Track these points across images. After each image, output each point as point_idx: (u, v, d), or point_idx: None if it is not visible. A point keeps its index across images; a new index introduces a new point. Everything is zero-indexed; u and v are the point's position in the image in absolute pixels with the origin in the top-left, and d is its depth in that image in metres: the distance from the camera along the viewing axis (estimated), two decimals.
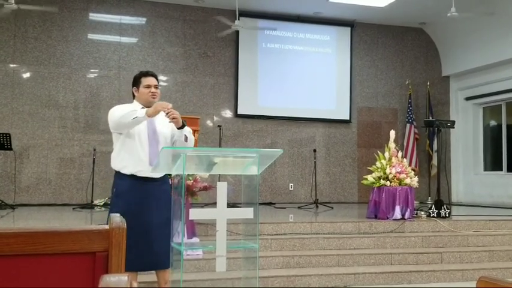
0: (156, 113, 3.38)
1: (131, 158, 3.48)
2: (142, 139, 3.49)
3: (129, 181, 3.47)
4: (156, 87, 3.60)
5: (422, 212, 6.72)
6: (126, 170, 3.48)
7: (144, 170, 3.46)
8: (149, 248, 3.34)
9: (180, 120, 3.45)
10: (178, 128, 3.49)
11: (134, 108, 3.45)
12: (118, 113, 3.46)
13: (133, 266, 3.40)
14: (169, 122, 3.45)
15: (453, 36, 10.30)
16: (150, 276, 4.27)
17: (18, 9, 7.70)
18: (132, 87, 3.66)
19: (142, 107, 3.50)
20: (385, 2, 9.19)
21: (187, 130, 3.54)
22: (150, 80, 3.59)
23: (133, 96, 3.66)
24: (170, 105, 3.39)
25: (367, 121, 10.41)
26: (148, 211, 3.42)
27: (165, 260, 3.44)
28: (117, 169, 3.54)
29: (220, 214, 2.89)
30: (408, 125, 10.18)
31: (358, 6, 9.33)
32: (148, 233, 3.38)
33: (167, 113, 3.40)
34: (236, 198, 3.67)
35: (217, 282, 4.52)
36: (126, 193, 3.46)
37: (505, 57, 9.20)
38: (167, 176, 3.65)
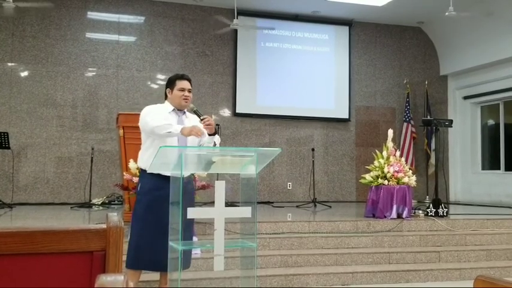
0: (189, 135, 3.42)
1: None
2: (172, 139, 3.55)
3: (154, 180, 3.54)
4: (189, 91, 3.69)
5: (420, 211, 6.72)
6: (153, 169, 3.53)
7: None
8: (166, 249, 3.32)
9: (214, 128, 3.57)
10: (210, 135, 3.58)
11: (170, 122, 3.51)
12: (152, 122, 3.51)
13: (146, 264, 3.43)
14: (204, 127, 3.52)
15: (451, 35, 10.30)
16: (150, 276, 4.27)
17: (16, 7, 7.68)
18: (166, 88, 3.77)
19: (179, 122, 3.56)
20: (383, 1, 9.19)
21: (217, 137, 3.66)
22: (185, 84, 3.69)
23: (166, 96, 3.75)
24: (204, 133, 3.49)
25: (365, 120, 10.41)
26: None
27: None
28: (143, 167, 3.63)
29: (218, 213, 2.89)
30: (405, 124, 10.19)
31: (356, 5, 9.33)
32: (167, 233, 3.37)
33: (202, 119, 3.51)
34: (234, 197, 3.67)
35: (215, 281, 4.52)
36: (150, 191, 3.54)
37: (503, 56, 9.21)
38: (191, 176, 3.68)
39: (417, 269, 5.26)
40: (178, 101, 3.67)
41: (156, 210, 3.47)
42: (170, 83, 3.74)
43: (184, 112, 3.73)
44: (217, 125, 3.68)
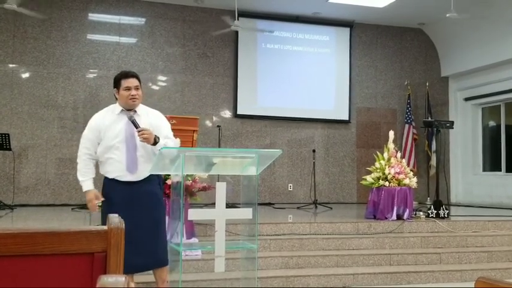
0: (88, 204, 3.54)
1: (111, 164, 3.50)
2: (120, 145, 3.47)
3: (112, 185, 3.52)
4: (137, 88, 3.52)
5: (421, 213, 6.72)
6: (109, 175, 3.52)
7: (122, 175, 3.48)
8: (137, 250, 3.30)
9: (152, 139, 3.41)
10: (152, 145, 3.44)
11: (83, 177, 3.56)
12: (78, 158, 3.58)
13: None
14: (141, 141, 3.42)
15: (452, 36, 10.30)
16: (149, 277, 4.27)
17: (17, 9, 7.69)
18: (113, 88, 3.60)
19: (88, 174, 3.58)
20: (384, 3, 9.19)
21: (161, 144, 3.44)
22: (130, 82, 3.51)
23: (116, 97, 3.61)
24: (96, 210, 3.54)
25: (366, 121, 10.41)
26: (132, 214, 3.37)
27: (157, 260, 3.44)
28: (102, 173, 3.60)
29: (219, 214, 2.89)
30: (407, 125, 10.19)
31: (357, 6, 9.33)
32: (134, 235, 3.35)
33: (138, 132, 3.40)
34: (235, 199, 3.68)
35: (216, 282, 4.52)
36: (110, 197, 3.50)
37: (504, 57, 9.21)
38: (153, 177, 3.58)
39: (418, 271, 5.26)
40: (125, 101, 3.50)
41: (118, 214, 3.43)
42: (116, 83, 3.55)
43: (135, 111, 3.56)
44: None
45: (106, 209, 3.47)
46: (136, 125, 3.43)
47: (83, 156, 3.56)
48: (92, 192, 3.51)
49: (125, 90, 3.50)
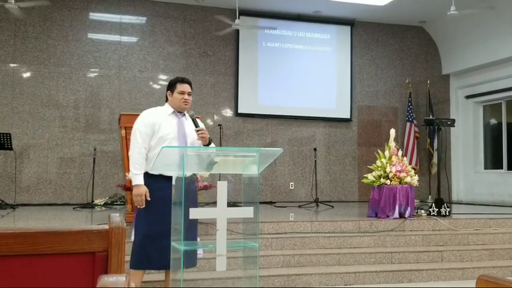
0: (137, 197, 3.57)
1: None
2: (173, 141, 3.62)
3: (156, 181, 3.58)
4: (189, 94, 3.81)
5: (423, 211, 6.72)
6: (155, 171, 3.57)
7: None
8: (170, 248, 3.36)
9: (207, 138, 3.65)
10: (204, 145, 3.66)
11: (137, 172, 3.57)
12: (132, 150, 3.62)
13: (153, 264, 3.48)
14: (198, 139, 3.63)
15: (453, 34, 10.29)
16: (150, 276, 4.28)
17: (18, 8, 7.68)
18: (167, 90, 3.86)
19: (139, 172, 3.60)
20: (385, 1, 9.18)
21: (212, 146, 3.74)
22: (185, 87, 3.82)
23: (166, 99, 3.84)
24: (144, 205, 3.56)
25: (367, 120, 10.41)
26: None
27: (186, 261, 3.46)
28: (146, 169, 3.66)
29: (221, 213, 2.89)
30: (408, 123, 10.18)
31: (358, 4, 9.33)
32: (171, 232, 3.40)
33: (197, 130, 3.61)
34: (236, 197, 3.68)
35: (217, 281, 4.52)
36: (151, 192, 3.57)
37: (505, 55, 9.19)
38: (194, 176, 3.73)
39: (420, 269, 5.26)
40: (178, 104, 3.75)
41: (158, 210, 3.50)
42: (171, 86, 3.83)
43: (184, 114, 3.80)
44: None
45: (148, 204, 3.55)
46: (196, 124, 3.68)
47: (139, 149, 3.61)
48: (144, 187, 3.56)
49: (180, 93, 3.78)
